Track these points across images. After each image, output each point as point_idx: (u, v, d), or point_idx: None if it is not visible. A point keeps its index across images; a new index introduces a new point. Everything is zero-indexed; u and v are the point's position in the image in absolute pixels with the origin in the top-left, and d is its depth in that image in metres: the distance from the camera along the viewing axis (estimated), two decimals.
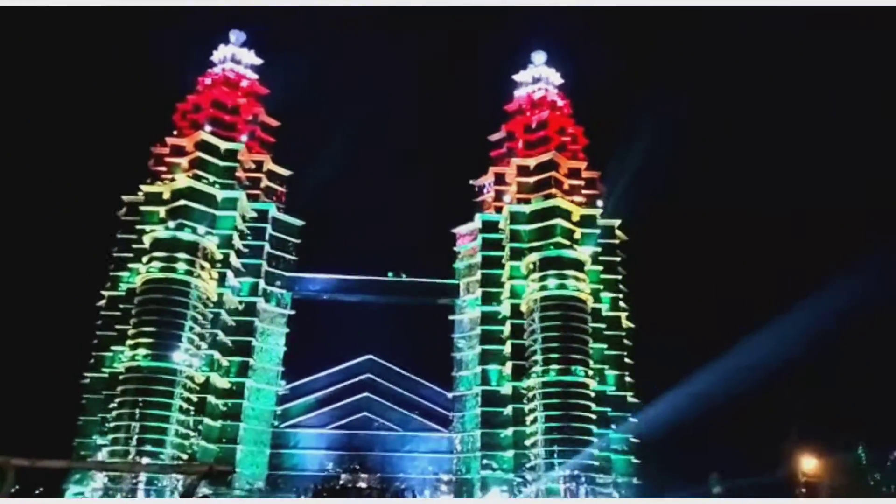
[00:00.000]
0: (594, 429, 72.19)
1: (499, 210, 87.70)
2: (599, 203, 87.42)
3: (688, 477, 58.81)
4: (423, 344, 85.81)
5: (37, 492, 57.80)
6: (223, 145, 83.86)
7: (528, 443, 73.50)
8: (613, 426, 75.78)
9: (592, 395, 73.99)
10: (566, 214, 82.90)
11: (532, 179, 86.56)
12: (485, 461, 76.61)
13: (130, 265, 78.54)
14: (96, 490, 64.65)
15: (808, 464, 49.47)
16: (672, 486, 60.07)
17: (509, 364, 78.89)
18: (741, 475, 56.44)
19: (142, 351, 70.93)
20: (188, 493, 7.14)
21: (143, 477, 63.89)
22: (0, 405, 70.41)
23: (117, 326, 75.83)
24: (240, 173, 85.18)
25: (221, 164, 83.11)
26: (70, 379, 76.91)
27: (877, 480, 54.67)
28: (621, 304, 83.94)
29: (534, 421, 73.28)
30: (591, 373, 74.72)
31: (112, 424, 68.38)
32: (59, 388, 78.87)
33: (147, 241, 76.27)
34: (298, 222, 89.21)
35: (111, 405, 69.85)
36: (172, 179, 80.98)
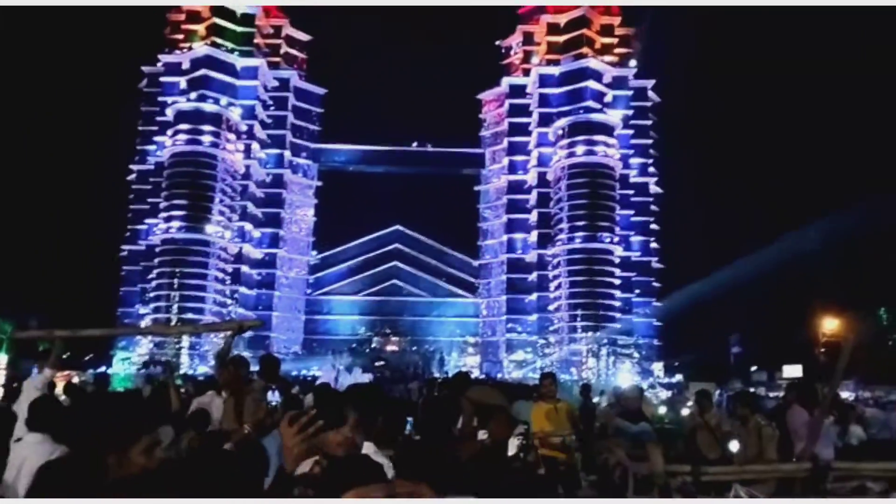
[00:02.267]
0: (618, 293, 73.53)
1: (527, 73, 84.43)
2: (633, 63, 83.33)
3: (708, 338, 60.16)
4: (449, 214, 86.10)
5: (87, 358, 61.35)
6: (239, 9, 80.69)
7: (551, 307, 75.42)
8: (637, 291, 77.00)
9: (617, 260, 74.65)
10: (597, 76, 79.57)
11: (562, 38, 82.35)
12: (509, 325, 79.26)
13: (156, 138, 78.67)
14: (142, 356, 68.56)
15: (829, 324, 49.91)
16: (693, 348, 61.64)
17: (535, 232, 79.32)
18: (761, 336, 57.62)
19: (175, 223, 72.66)
20: (224, 351, 7.20)
21: (185, 342, 67.24)
22: (46, 280, 73.48)
23: (149, 200, 77.19)
24: (258, 39, 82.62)
25: (239, 29, 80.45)
26: (108, 252, 79.58)
27: (895, 340, 55.64)
28: (650, 168, 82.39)
29: (558, 287, 74.73)
30: (616, 239, 74.96)
31: (152, 294, 71.54)
32: (99, 261, 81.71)
33: (170, 112, 75.82)
34: (321, 91, 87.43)
35: (150, 276, 72.67)
36: (190, 48, 79.07)
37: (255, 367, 7.60)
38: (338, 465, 2.28)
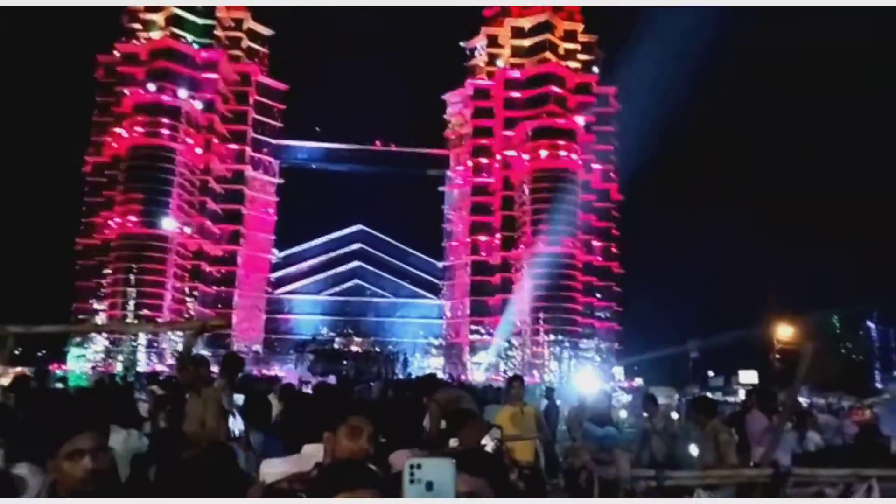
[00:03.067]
0: (580, 297, 74.35)
1: (491, 76, 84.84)
2: (595, 69, 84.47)
3: (667, 341, 61.10)
4: (414, 214, 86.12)
5: (39, 354, 59.49)
6: (200, 0, 79.21)
7: (515, 310, 75.87)
8: (598, 295, 77.97)
9: (580, 265, 75.49)
10: (561, 81, 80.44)
11: (527, 42, 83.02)
12: (473, 327, 79.46)
13: (113, 129, 76.73)
14: (98, 353, 66.86)
15: (784, 331, 51.15)
16: (652, 350, 62.57)
17: (499, 235, 79.70)
18: (718, 342, 58.70)
19: (131, 217, 70.98)
20: (185, 350, 7.08)
21: (142, 339, 65.78)
22: None
23: (105, 193, 75.21)
24: (219, 32, 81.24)
25: (199, 21, 79.00)
26: (63, 247, 77.39)
27: (848, 349, 57.39)
28: (612, 175, 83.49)
29: (521, 289, 75.20)
30: (578, 243, 75.81)
31: (108, 290, 69.74)
32: (54, 255, 79.48)
33: (128, 104, 74.04)
34: (283, 86, 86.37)
35: (105, 271, 70.83)
36: (149, 38, 77.38)
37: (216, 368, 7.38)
38: (333, 470, 2.22)
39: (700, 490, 6.40)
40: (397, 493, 1.95)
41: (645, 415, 9.07)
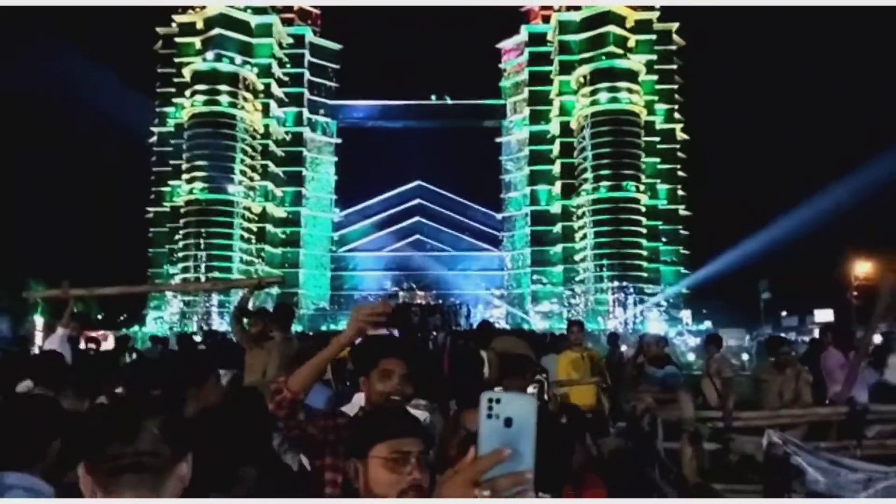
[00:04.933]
0: (644, 242, 72.77)
1: (546, 20, 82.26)
2: (657, 4, 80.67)
3: (739, 284, 59.50)
4: (471, 167, 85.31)
5: (120, 318, 62.76)
6: None
7: (577, 258, 75.03)
8: (664, 239, 76.13)
9: (643, 209, 73.64)
10: (620, 20, 77.28)
11: None
12: (535, 276, 79.09)
13: (174, 100, 78.61)
14: (174, 314, 69.96)
15: (861, 267, 48.98)
16: (721, 295, 61.14)
17: (558, 184, 78.38)
18: (791, 281, 56.85)
19: (198, 185, 73.11)
20: (241, 305, 7.20)
21: (214, 300, 68.32)
22: (78, 244, 74.80)
23: (171, 162, 77.62)
24: None
25: None
26: (136, 215, 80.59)
27: None
28: (676, 115, 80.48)
29: (583, 237, 74.16)
30: (642, 188, 73.84)
31: (180, 255, 72.54)
32: (127, 224, 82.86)
33: (187, 74, 75.54)
34: (336, 46, 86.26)
35: (176, 237, 73.58)
36: (203, 7, 78.27)
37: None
38: (376, 415, 2.19)
39: (770, 430, 6.19)
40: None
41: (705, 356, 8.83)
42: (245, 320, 6.91)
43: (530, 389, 3.02)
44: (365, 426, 1.99)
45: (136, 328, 60.70)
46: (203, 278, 68.80)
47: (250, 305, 7.11)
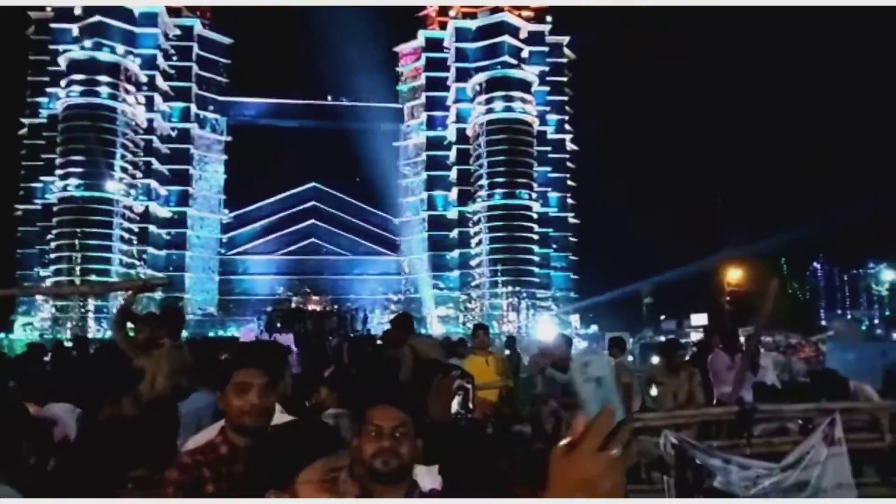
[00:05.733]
0: (536, 248, 75.12)
1: (443, 26, 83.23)
2: (548, 18, 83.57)
3: (623, 289, 62.36)
4: (368, 170, 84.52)
5: None
6: None
7: (473, 263, 76.28)
8: (554, 245, 78.93)
9: (535, 216, 76.05)
10: (514, 31, 79.52)
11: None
12: (432, 281, 79.64)
13: (48, 89, 73.17)
14: (45, 320, 64.93)
15: (734, 274, 52.58)
16: (607, 299, 63.85)
17: (455, 189, 79.44)
18: (670, 287, 60.23)
19: (73, 181, 68.36)
20: (125, 308, 6.57)
21: (91, 305, 64.02)
22: None
23: (43, 156, 72.06)
24: None
25: None
26: (2, 213, 74.30)
27: (794, 288, 59.56)
28: (566, 126, 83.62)
29: (479, 243, 75.58)
30: (534, 195, 76.21)
31: (52, 256, 67.40)
32: None
33: (63, 62, 70.49)
34: (226, 40, 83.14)
35: (48, 237, 68.35)
36: None
37: None
38: (275, 437, 1.97)
39: (667, 431, 6.37)
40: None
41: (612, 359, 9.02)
42: (130, 326, 6.35)
43: (455, 398, 2.83)
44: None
45: (1, 335, 55.89)
46: (78, 281, 64.26)
47: (135, 310, 6.56)
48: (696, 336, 44.38)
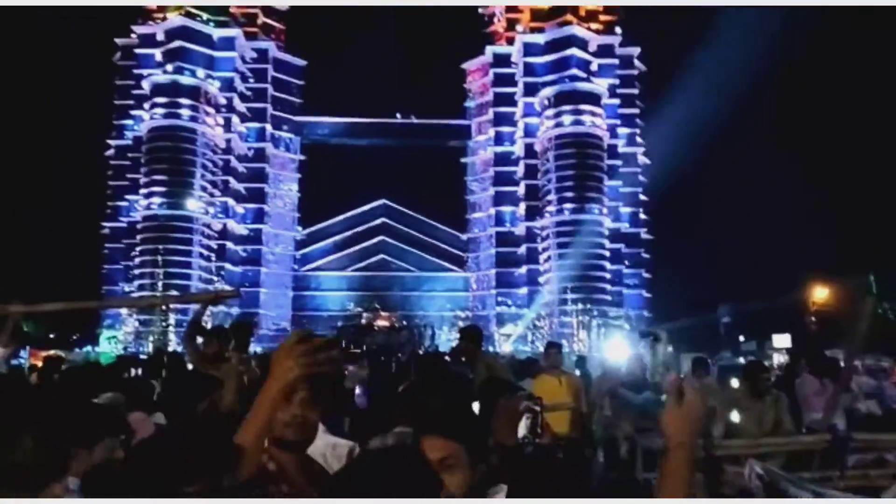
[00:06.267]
0: (607, 265, 73.41)
1: (511, 41, 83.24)
2: (618, 30, 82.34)
3: (699, 308, 60.24)
4: (436, 187, 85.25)
5: (73, 338, 60.65)
6: None
7: (542, 280, 75.24)
8: (626, 262, 76.95)
9: (606, 232, 74.47)
10: (583, 44, 78.68)
11: (546, 5, 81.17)
12: (500, 298, 79.05)
13: (133, 112, 77.07)
14: (128, 333, 67.80)
15: (819, 292, 49.99)
16: (683, 316, 61.76)
17: (523, 205, 78.86)
18: (753, 305, 57.70)
19: (156, 199, 71.51)
20: (195, 320, 6.61)
21: (172, 319, 66.45)
22: (31, 262, 72.29)
23: (129, 176, 75.90)
24: (234, 9, 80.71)
25: None
26: (91, 230, 78.32)
27: (885, 309, 55.87)
28: (638, 139, 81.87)
29: (548, 259, 74.53)
30: (605, 210, 74.71)
31: (136, 272, 70.55)
32: (82, 239, 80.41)
33: (146, 86, 74.18)
34: (301, 62, 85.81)
35: (133, 254, 71.62)
36: (164, 18, 77.18)
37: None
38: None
39: (752, 460, 5.92)
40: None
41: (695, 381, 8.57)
42: (200, 339, 6.39)
43: (523, 421, 2.61)
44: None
45: (88, 348, 58.64)
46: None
47: (207, 323, 6.63)
48: (778, 358, 42.34)
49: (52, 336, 51.79)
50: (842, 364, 7.47)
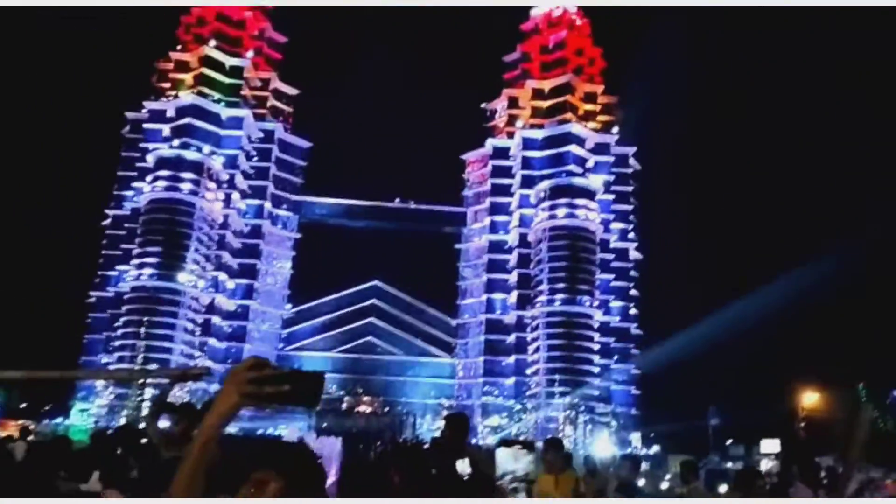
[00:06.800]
0: (596, 359, 72.57)
1: (511, 135, 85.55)
2: (615, 129, 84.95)
3: (688, 408, 59.26)
4: (429, 271, 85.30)
5: (45, 409, 58.91)
6: (228, 61, 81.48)
7: (529, 371, 74.14)
8: (616, 357, 76.15)
9: (596, 325, 74.07)
10: (580, 141, 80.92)
11: (546, 103, 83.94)
12: (486, 388, 77.59)
13: (134, 184, 77.83)
14: (102, 406, 65.82)
15: (809, 399, 49.33)
16: (671, 418, 60.63)
17: (514, 293, 78.76)
18: (739, 409, 56.80)
19: (147, 270, 71.05)
20: (160, 398, 6.23)
21: (148, 394, 64.70)
22: (6, 324, 70.98)
23: (122, 246, 75.79)
24: (245, 91, 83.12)
25: (226, 80, 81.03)
26: (75, 298, 77.42)
27: (874, 418, 54.93)
28: (630, 234, 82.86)
29: (536, 350, 73.70)
30: (596, 303, 74.58)
31: (117, 343, 69.18)
32: (64, 307, 79.52)
33: (151, 159, 75.27)
34: (305, 144, 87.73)
35: (116, 324, 70.47)
36: (176, 96, 79.27)
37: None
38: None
39: None
40: None
41: (679, 482, 8.18)
42: (167, 418, 6.00)
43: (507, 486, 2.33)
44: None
45: (59, 420, 56.85)
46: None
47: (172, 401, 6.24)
48: (766, 463, 41.22)
49: (22, 406, 50.29)
50: (839, 472, 7.12)
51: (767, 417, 53.58)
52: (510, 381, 76.18)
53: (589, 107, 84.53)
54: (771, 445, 49.05)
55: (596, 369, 72.05)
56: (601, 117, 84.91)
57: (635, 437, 69.13)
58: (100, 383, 65.83)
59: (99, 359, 71.43)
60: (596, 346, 73.14)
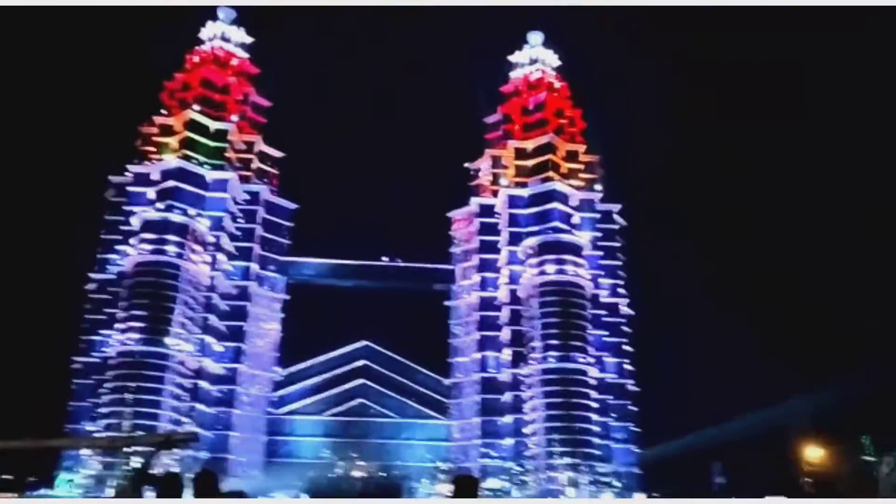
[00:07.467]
0: (595, 417, 71.52)
1: (495, 194, 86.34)
2: (598, 187, 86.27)
3: (690, 467, 58.41)
4: (419, 330, 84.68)
5: (29, 479, 56.50)
6: (213, 125, 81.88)
7: (527, 430, 72.74)
8: (614, 415, 75.15)
9: (593, 382, 73.34)
10: (564, 198, 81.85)
11: (530, 162, 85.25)
12: (483, 449, 75.89)
13: (119, 247, 76.77)
14: (89, 476, 63.29)
15: (813, 453, 49.01)
16: (674, 477, 59.67)
17: (507, 351, 78.03)
18: (744, 465, 56.12)
19: (133, 335, 69.46)
20: (145, 466, 5.88)
21: (135, 463, 62.37)
22: None
23: (106, 310, 74.19)
24: (230, 154, 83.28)
25: (211, 144, 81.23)
26: (59, 364, 75.16)
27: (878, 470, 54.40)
28: (620, 290, 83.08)
29: (533, 408, 72.52)
30: (590, 360, 74.04)
31: (103, 410, 66.99)
32: (48, 373, 77.04)
33: (136, 222, 74.52)
34: (291, 205, 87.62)
35: (102, 391, 68.41)
36: (161, 160, 79.15)
37: None
38: None
39: None
40: None
41: None
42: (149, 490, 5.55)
43: None
44: None
45: (42, 491, 54.42)
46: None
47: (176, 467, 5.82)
48: None
49: (5, 478, 48.18)
50: None
51: (772, 471, 53.00)
52: (509, 441, 74.58)
53: (571, 165, 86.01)
54: (776, 502, 48.34)
55: (595, 428, 70.95)
56: (584, 175, 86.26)
57: (640, 498, 67.71)
58: (85, 452, 63.44)
59: (84, 427, 68.99)
60: (594, 404, 72.22)
